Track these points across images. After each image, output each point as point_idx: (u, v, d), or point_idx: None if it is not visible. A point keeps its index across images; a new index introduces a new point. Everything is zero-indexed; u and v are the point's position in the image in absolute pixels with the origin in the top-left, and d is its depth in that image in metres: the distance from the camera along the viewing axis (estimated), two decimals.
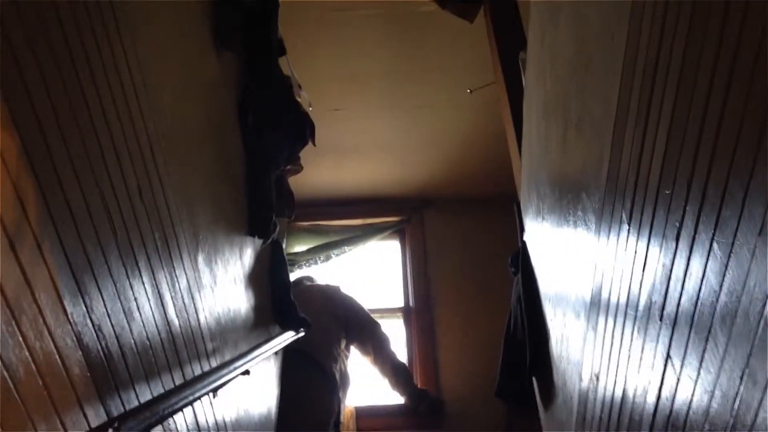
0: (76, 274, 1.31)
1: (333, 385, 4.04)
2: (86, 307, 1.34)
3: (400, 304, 5.72)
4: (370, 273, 5.97)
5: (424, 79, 4.74)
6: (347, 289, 4.69)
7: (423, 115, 5.08)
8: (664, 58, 1.43)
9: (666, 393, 1.54)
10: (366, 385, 4.93)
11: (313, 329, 3.70)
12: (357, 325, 4.44)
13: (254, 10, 2.92)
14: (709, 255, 1.27)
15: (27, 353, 1.11)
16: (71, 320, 1.27)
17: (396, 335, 5.28)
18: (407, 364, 5.04)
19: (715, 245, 1.24)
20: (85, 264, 1.36)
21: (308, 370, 3.96)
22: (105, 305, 1.43)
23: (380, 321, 4.75)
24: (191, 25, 2.45)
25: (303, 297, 3.94)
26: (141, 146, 1.72)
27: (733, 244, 1.17)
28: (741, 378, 1.19)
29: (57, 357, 1.21)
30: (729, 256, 1.19)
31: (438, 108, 5.00)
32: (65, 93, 1.33)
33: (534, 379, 3.06)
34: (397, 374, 4.56)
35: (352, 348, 4.47)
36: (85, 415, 1.29)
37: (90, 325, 1.35)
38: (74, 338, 1.28)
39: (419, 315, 5.57)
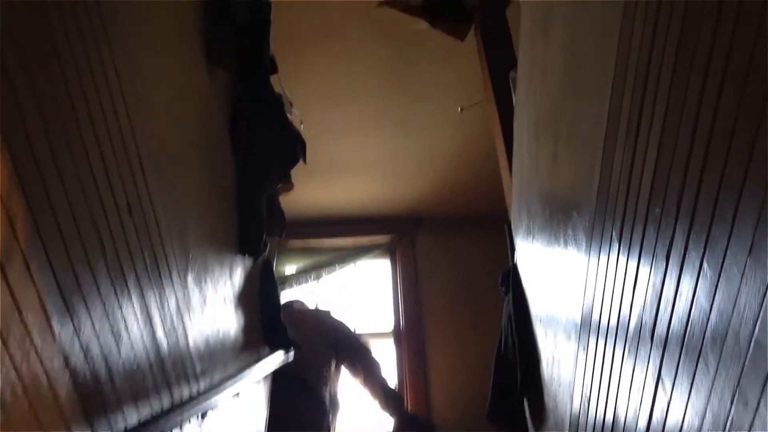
0: (64, 294, 1.30)
1: (323, 408, 4.01)
2: (74, 327, 1.33)
3: (391, 325, 5.70)
4: (361, 293, 5.95)
5: (416, 97, 4.76)
6: (338, 313, 4.67)
7: (414, 134, 5.09)
8: (654, 75, 1.44)
9: (657, 415, 1.54)
10: (356, 409, 4.90)
11: (304, 352, 3.68)
12: (347, 348, 4.42)
13: (247, 28, 2.92)
14: (699, 275, 1.27)
15: (14, 374, 1.10)
16: (59, 341, 1.26)
17: (386, 357, 5.26)
18: (398, 387, 5.01)
19: (705, 265, 1.24)
20: (74, 284, 1.35)
21: (298, 392, 3.94)
22: (93, 326, 1.41)
23: (370, 344, 4.73)
24: (184, 43, 2.45)
25: (294, 320, 3.92)
26: (131, 163, 1.71)
27: (723, 263, 1.17)
28: (732, 400, 1.18)
29: (45, 378, 1.20)
30: (719, 275, 1.19)
31: (429, 126, 5.01)
32: (56, 111, 1.33)
33: (525, 401, 3.04)
34: (387, 398, 4.53)
35: (343, 371, 4.45)
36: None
37: (78, 346, 1.34)
38: (62, 359, 1.27)
39: (410, 336, 5.55)
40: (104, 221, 1.52)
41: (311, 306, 4.87)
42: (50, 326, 1.24)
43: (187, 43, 2.50)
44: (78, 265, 1.37)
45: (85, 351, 1.36)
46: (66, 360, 1.28)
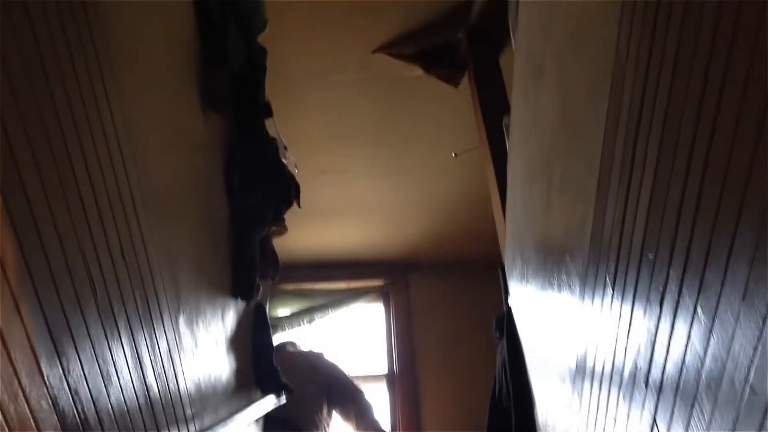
0: (53, 335, 1.28)
1: None
2: (63, 369, 1.31)
3: (384, 369, 5.66)
4: (354, 337, 5.92)
5: (410, 142, 4.79)
6: (331, 356, 4.63)
7: (408, 178, 5.11)
8: (646, 121, 1.45)
9: None
10: None
11: (296, 397, 3.64)
12: (340, 391, 4.38)
13: (243, 73, 2.95)
14: (693, 320, 1.27)
15: (0, 417, 1.08)
16: (47, 383, 1.25)
17: (379, 401, 5.21)
18: (391, 431, 4.95)
19: (699, 310, 1.24)
20: (64, 325, 1.33)
21: None
22: (82, 367, 1.40)
23: (363, 387, 4.69)
24: (179, 86, 2.47)
25: (286, 363, 3.89)
26: (124, 203, 1.71)
27: (717, 308, 1.17)
28: None
29: (32, 421, 1.18)
30: (713, 320, 1.19)
31: (423, 171, 5.03)
32: (50, 151, 1.33)
33: None
34: None
35: (335, 415, 4.40)
36: None
37: (66, 388, 1.32)
38: (50, 402, 1.25)
39: (403, 380, 5.51)
40: (96, 263, 1.51)
41: (304, 347, 4.83)
42: (39, 367, 1.22)
43: (183, 87, 2.51)
44: (68, 306, 1.36)
45: (74, 393, 1.35)
46: (54, 402, 1.26)
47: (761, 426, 1.05)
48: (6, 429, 1.10)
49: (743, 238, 1.08)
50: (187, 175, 2.45)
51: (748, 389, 1.09)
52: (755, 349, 1.06)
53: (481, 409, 3.35)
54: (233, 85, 2.87)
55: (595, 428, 1.91)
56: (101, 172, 1.58)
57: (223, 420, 2.39)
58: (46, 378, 1.24)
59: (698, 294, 1.24)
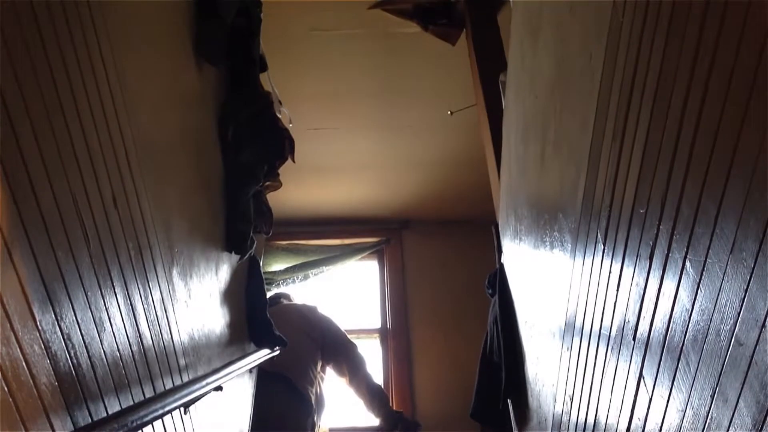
0: (46, 282, 1.29)
1: (308, 407, 4.00)
2: (56, 315, 1.32)
3: (378, 325, 5.70)
4: (348, 293, 5.95)
5: (406, 99, 4.77)
6: (325, 310, 4.66)
7: (404, 136, 5.09)
8: (640, 77, 1.45)
9: (639, 413, 1.54)
10: (341, 407, 4.89)
11: (289, 350, 3.67)
12: (333, 346, 4.41)
13: (237, 25, 2.92)
14: (681, 273, 1.28)
15: None
16: (40, 328, 1.26)
17: (372, 356, 5.26)
18: (383, 386, 5.01)
19: (687, 263, 1.25)
20: (56, 272, 1.34)
21: (283, 392, 3.92)
22: (75, 314, 1.41)
23: (357, 342, 4.73)
24: (173, 38, 2.45)
25: (279, 316, 3.91)
26: (117, 155, 1.70)
27: (705, 262, 1.18)
28: (712, 397, 1.19)
29: (24, 364, 1.19)
30: (701, 274, 1.20)
31: (419, 129, 5.01)
32: (41, 97, 1.33)
33: (509, 401, 3.05)
34: (373, 396, 4.53)
35: (328, 369, 4.44)
36: (51, 425, 1.27)
37: (59, 333, 1.33)
38: (42, 346, 1.26)
39: (396, 336, 5.56)
40: (89, 211, 1.51)
41: (298, 301, 4.86)
42: (31, 313, 1.23)
43: (176, 39, 2.49)
44: (61, 254, 1.36)
45: (66, 339, 1.36)
46: (46, 347, 1.27)
47: (745, 377, 1.07)
48: None
49: (733, 192, 1.09)
50: (181, 128, 2.44)
51: (733, 341, 1.10)
52: (742, 301, 1.07)
53: (472, 364, 3.39)
54: (227, 37, 2.85)
55: (583, 382, 1.94)
56: (93, 123, 1.57)
57: (216, 370, 2.41)
58: (38, 323, 1.25)
59: (687, 248, 1.25)
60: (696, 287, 1.22)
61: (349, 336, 4.60)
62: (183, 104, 2.52)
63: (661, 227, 1.36)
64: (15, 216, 1.20)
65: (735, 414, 1.11)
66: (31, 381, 1.21)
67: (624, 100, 1.56)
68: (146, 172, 1.91)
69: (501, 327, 2.97)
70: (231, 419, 3.04)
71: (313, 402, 4.04)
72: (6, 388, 1.12)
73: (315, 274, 5.68)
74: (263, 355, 3.29)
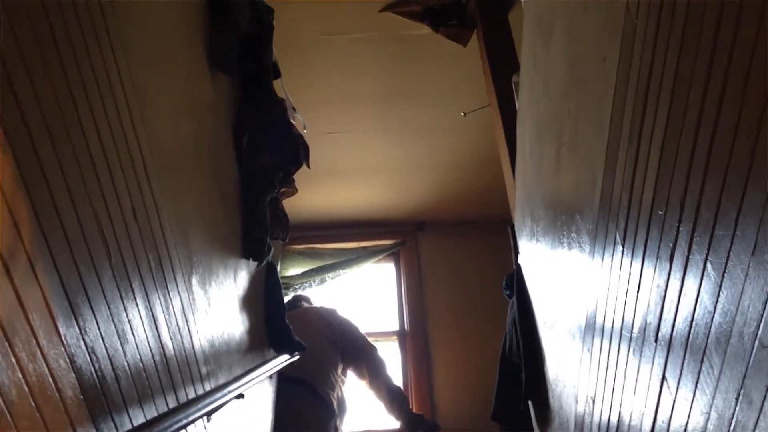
0: (69, 296, 1.30)
1: (330, 412, 4.01)
2: (80, 328, 1.33)
3: (395, 327, 5.70)
4: (365, 296, 5.96)
5: (419, 102, 4.76)
6: (344, 312, 4.67)
7: (418, 138, 5.10)
8: (656, 78, 1.45)
9: (662, 415, 1.54)
10: (362, 410, 4.90)
11: (310, 355, 3.67)
12: (353, 349, 4.42)
13: (250, 33, 2.93)
14: (703, 275, 1.27)
15: (20, 375, 1.10)
16: (64, 342, 1.27)
17: (391, 359, 5.26)
18: (402, 388, 5.01)
19: (708, 265, 1.25)
20: (79, 286, 1.35)
21: (305, 397, 3.93)
22: (98, 327, 1.42)
23: (375, 344, 4.74)
24: (187, 50, 2.46)
25: (299, 320, 3.92)
26: (136, 168, 1.72)
27: (726, 264, 1.18)
28: (737, 399, 1.18)
29: (50, 379, 1.20)
30: (723, 276, 1.20)
31: (432, 131, 5.01)
32: (60, 115, 1.34)
33: (530, 402, 3.05)
34: (393, 398, 4.53)
35: (349, 372, 4.44)
36: None
37: (83, 347, 1.34)
38: (67, 360, 1.27)
39: (414, 338, 5.56)
40: (109, 224, 1.52)
41: (317, 304, 4.87)
42: (56, 327, 1.24)
43: (190, 50, 2.51)
44: (83, 268, 1.38)
45: (91, 352, 1.37)
46: (71, 361, 1.29)
47: None
48: (26, 387, 1.12)
49: (753, 193, 1.08)
50: (196, 138, 2.46)
51: (757, 344, 1.10)
52: (765, 303, 1.07)
53: (491, 365, 3.38)
54: (240, 45, 2.86)
55: (605, 383, 1.93)
56: (112, 136, 1.59)
57: (237, 378, 2.42)
58: (63, 337, 1.26)
59: (708, 250, 1.24)
60: (718, 289, 1.22)
61: (368, 338, 4.61)
62: (198, 114, 2.53)
63: (680, 229, 1.35)
64: (38, 232, 1.21)
65: (760, 416, 1.10)
66: (57, 395, 1.23)
67: (640, 101, 1.55)
68: (164, 183, 1.93)
69: (520, 328, 2.97)
70: (252, 426, 3.05)
71: (335, 406, 4.04)
72: (33, 404, 1.14)
73: (332, 278, 5.69)
74: (283, 360, 3.30)
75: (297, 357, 3.51)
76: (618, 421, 1.84)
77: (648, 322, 1.57)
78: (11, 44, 1.16)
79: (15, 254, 1.13)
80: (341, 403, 4.16)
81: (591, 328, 2.03)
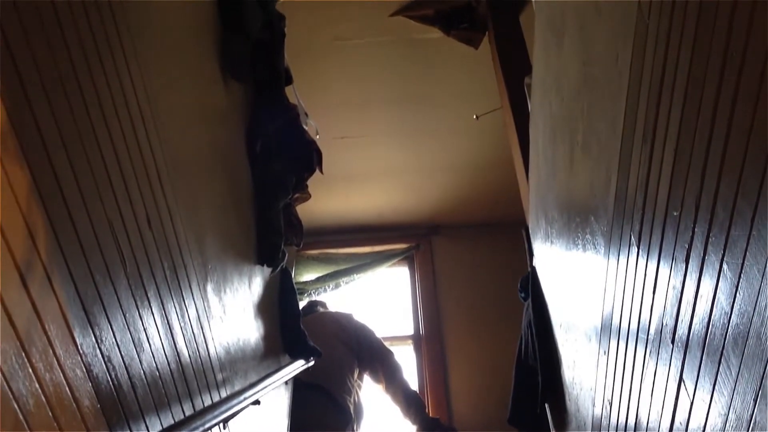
0: (85, 306, 1.31)
1: (347, 417, 4.00)
2: (96, 338, 1.34)
3: (410, 331, 5.70)
4: (380, 300, 5.95)
5: (431, 105, 4.76)
6: (360, 317, 4.66)
7: (430, 142, 5.10)
8: (669, 78, 1.44)
9: (680, 417, 1.53)
10: (379, 415, 4.89)
11: (326, 360, 3.67)
12: (369, 353, 4.41)
13: (262, 40, 2.94)
14: (719, 276, 1.27)
15: (37, 385, 1.11)
16: (81, 351, 1.27)
17: (406, 363, 5.25)
18: (418, 392, 5.00)
19: (725, 266, 1.24)
20: (95, 295, 1.36)
21: (322, 404, 3.92)
22: (114, 336, 1.43)
23: (391, 349, 4.73)
24: (199, 56, 2.47)
25: (315, 325, 3.92)
26: (149, 176, 1.73)
27: (743, 264, 1.17)
28: (755, 400, 1.17)
29: (67, 388, 1.21)
30: (739, 276, 1.19)
31: (445, 134, 5.01)
32: (75, 125, 1.35)
33: (547, 405, 3.03)
34: (409, 403, 4.52)
35: (365, 376, 4.44)
36: None
37: (100, 356, 1.35)
38: (84, 369, 1.28)
39: (430, 342, 5.55)
40: (124, 233, 1.53)
41: (332, 308, 4.87)
42: (72, 337, 1.25)
43: (203, 57, 2.52)
44: (98, 277, 1.38)
45: (107, 361, 1.37)
46: (88, 370, 1.29)
47: None
48: (43, 397, 1.13)
49: None
50: (210, 145, 2.47)
51: None
52: None
53: (507, 368, 3.37)
54: (252, 52, 2.87)
55: (622, 385, 1.92)
56: (126, 144, 1.59)
57: (253, 384, 2.43)
58: (79, 347, 1.27)
59: (724, 250, 1.23)
60: (734, 290, 1.21)
61: (384, 343, 4.60)
62: (211, 121, 2.54)
63: (696, 230, 1.34)
64: (54, 244, 1.22)
65: None
66: (74, 404, 1.23)
67: (653, 102, 1.55)
68: (178, 191, 1.93)
69: (536, 331, 2.96)
70: (269, 430, 3.05)
71: (352, 411, 4.04)
72: (51, 413, 1.14)
73: (346, 283, 5.69)
74: (298, 366, 3.30)
75: (312, 362, 3.51)
76: (635, 423, 1.83)
77: (664, 323, 1.56)
78: (24, 54, 1.17)
79: (32, 265, 1.13)
80: (358, 407, 4.15)
81: (607, 330, 2.02)
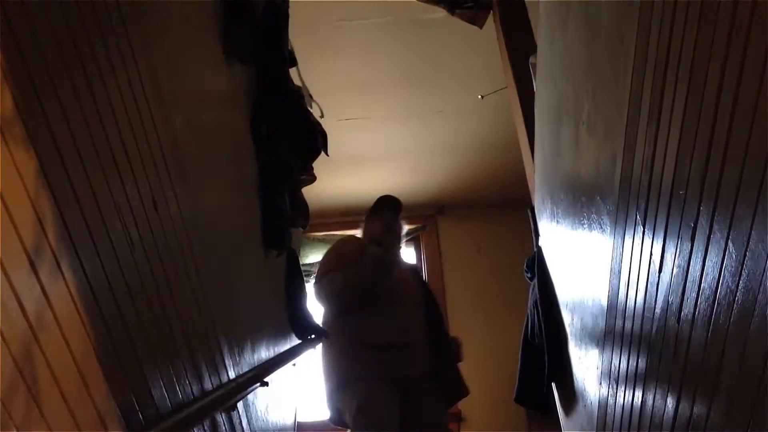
0: (93, 289, 1.32)
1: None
2: (105, 321, 1.35)
3: None
4: None
5: (436, 85, 4.75)
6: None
7: (435, 122, 5.08)
8: (674, 57, 1.43)
9: (686, 396, 1.53)
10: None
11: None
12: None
13: (265, 23, 2.93)
14: (725, 254, 1.27)
15: (48, 371, 1.12)
16: (90, 335, 1.28)
17: None
18: None
19: (730, 244, 1.24)
20: (103, 278, 1.37)
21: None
22: (124, 319, 1.44)
23: None
24: (203, 39, 2.47)
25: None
26: (155, 160, 1.73)
27: (748, 242, 1.17)
28: (760, 378, 1.18)
29: (77, 373, 1.22)
30: (744, 254, 1.19)
31: (450, 114, 5.00)
32: (80, 111, 1.35)
33: (553, 384, 3.05)
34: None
35: None
36: (103, 424, 1.30)
37: (109, 338, 1.36)
38: (93, 353, 1.29)
39: None
40: (131, 217, 1.53)
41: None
42: (81, 320, 1.26)
43: (207, 41, 2.51)
44: (107, 261, 1.39)
45: (116, 344, 1.39)
46: (97, 354, 1.30)
47: None
48: (54, 380, 1.14)
49: None
50: (215, 128, 2.47)
51: None
52: None
53: (513, 347, 3.38)
54: (256, 36, 2.86)
55: (628, 364, 1.93)
56: (131, 130, 1.60)
57: (262, 365, 2.44)
58: (88, 330, 1.28)
59: (729, 229, 1.23)
60: (740, 267, 1.21)
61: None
62: (216, 104, 2.54)
63: (701, 209, 1.34)
64: (62, 228, 1.22)
65: None
66: (84, 388, 1.24)
67: (659, 81, 1.54)
68: (184, 174, 1.94)
69: (542, 310, 2.97)
70: (278, 409, 3.08)
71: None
72: (61, 396, 1.16)
73: None
74: (306, 348, 3.31)
75: (319, 343, 3.52)
76: (641, 401, 1.84)
77: (670, 302, 1.56)
78: (30, 41, 1.17)
79: (40, 250, 1.14)
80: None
81: (613, 309, 2.03)
